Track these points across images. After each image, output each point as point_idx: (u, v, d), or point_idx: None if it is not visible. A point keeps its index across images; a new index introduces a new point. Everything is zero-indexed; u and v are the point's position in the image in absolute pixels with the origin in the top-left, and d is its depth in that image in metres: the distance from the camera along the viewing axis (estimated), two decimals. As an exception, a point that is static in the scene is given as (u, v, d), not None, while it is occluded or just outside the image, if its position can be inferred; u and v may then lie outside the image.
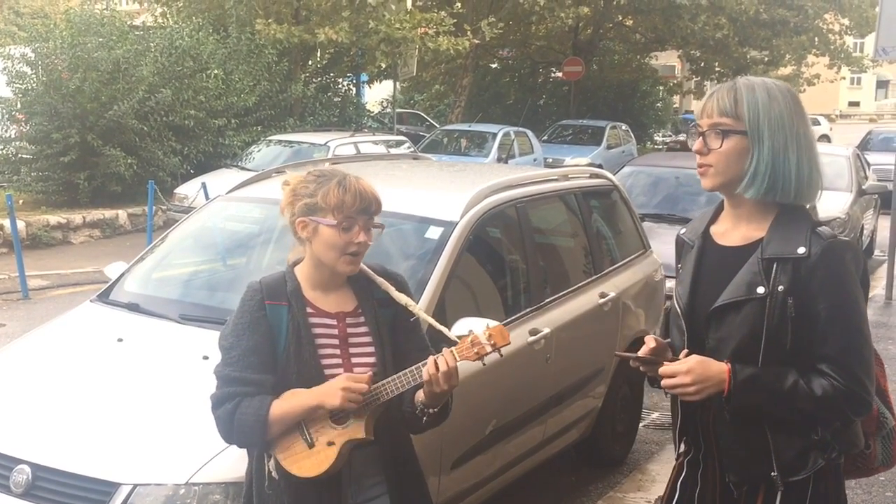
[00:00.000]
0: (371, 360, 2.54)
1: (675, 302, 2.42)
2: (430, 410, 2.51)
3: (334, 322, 2.55)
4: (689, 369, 2.21)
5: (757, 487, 2.31)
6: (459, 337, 2.48)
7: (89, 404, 3.40)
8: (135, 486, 2.97)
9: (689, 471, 2.46)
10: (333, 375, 2.49)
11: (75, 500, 3.01)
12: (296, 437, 2.47)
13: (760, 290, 2.21)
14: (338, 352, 2.53)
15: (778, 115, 2.23)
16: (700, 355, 2.26)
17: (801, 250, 2.20)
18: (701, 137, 2.30)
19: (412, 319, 2.63)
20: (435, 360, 2.40)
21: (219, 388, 2.52)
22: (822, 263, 2.18)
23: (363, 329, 2.57)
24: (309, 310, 2.54)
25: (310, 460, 2.45)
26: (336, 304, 2.58)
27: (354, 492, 2.56)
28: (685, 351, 2.31)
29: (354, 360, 2.54)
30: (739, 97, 2.25)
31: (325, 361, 2.51)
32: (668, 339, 2.45)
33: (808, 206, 2.31)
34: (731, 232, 2.36)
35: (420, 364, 2.43)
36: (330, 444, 2.45)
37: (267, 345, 2.50)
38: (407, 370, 2.45)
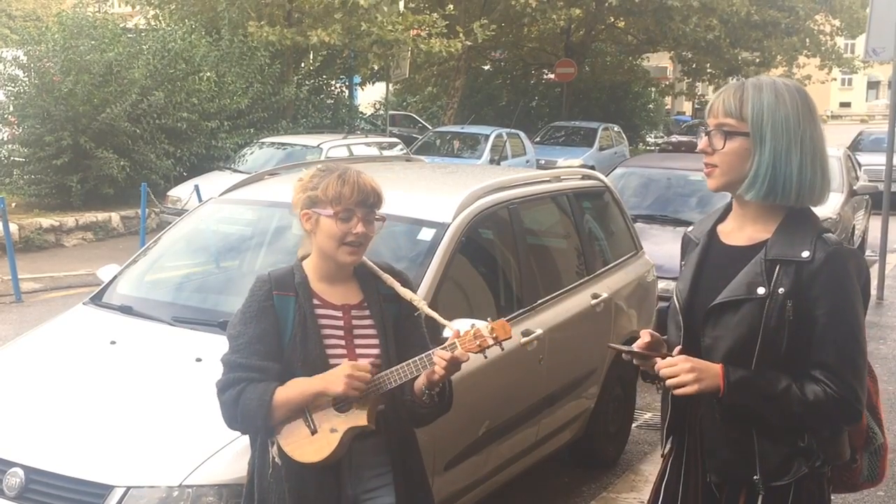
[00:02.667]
0: (375, 351, 2.62)
1: (675, 297, 2.42)
2: (434, 392, 2.56)
3: (340, 314, 2.63)
4: (688, 359, 2.22)
5: (738, 490, 2.31)
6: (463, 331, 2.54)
7: (82, 407, 3.40)
8: (128, 488, 2.97)
9: (672, 471, 2.47)
10: (338, 365, 2.55)
11: (69, 502, 3.01)
12: (299, 423, 2.54)
13: (761, 290, 2.21)
14: (342, 343, 2.61)
15: (783, 117, 2.22)
16: (695, 353, 2.26)
17: (806, 254, 2.19)
18: (707, 136, 2.30)
19: (416, 314, 2.71)
20: (440, 355, 2.46)
21: (224, 374, 2.59)
22: (826, 269, 2.18)
23: (368, 322, 2.65)
24: (315, 301, 2.62)
25: (312, 446, 2.52)
26: (342, 297, 2.66)
27: (353, 482, 2.61)
28: (679, 347, 2.32)
29: (359, 351, 2.61)
30: (745, 98, 2.25)
31: (330, 352, 2.58)
32: (665, 336, 2.45)
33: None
34: (736, 232, 2.36)
35: (423, 356, 2.50)
36: (333, 430, 2.51)
37: (273, 334, 2.58)
38: (409, 361, 2.51)
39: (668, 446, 2.50)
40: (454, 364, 2.48)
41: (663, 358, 2.27)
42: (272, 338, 2.58)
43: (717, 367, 2.21)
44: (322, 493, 2.55)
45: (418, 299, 2.71)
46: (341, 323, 2.62)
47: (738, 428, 2.27)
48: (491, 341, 2.47)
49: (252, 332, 2.57)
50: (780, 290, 2.20)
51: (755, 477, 2.26)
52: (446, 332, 2.89)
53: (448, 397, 2.66)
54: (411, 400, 2.62)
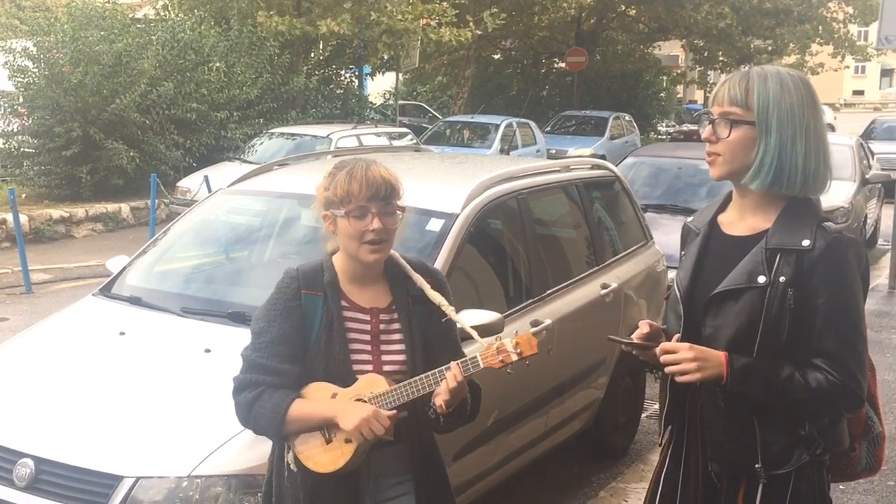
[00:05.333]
0: (401, 357, 2.52)
1: (675, 287, 2.42)
2: (439, 413, 2.46)
3: (368, 318, 2.53)
4: (691, 347, 2.21)
5: (738, 480, 2.31)
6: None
7: (92, 398, 3.41)
8: (137, 478, 2.98)
9: (671, 462, 2.48)
10: (361, 372, 2.47)
11: (78, 493, 3.03)
12: (314, 431, 2.46)
13: (761, 279, 2.21)
14: (368, 348, 2.52)
15: (788, 106, 2.22)
16: (695, 343, 2.26)
17: (806, 242, 2.19)
18: (710, 125, 2.30)
19: (444, 320, 2.58)
20: (454, 373, 2.37)
21: (242, 372, 2.51)
22: (826, 257, 2.18)
23: (396, 326, 2.55)
24: (344, 303, 2.52)
25: (326, 456, 2.44)
26: (371, 299, 2.55)
27: (373, 490, 2.54)
28: (677, 335, 2.31)
29: (384, 357, 2.52)
30: (751, 87, 2.24)
31: (355, 357, 2.49)
32: (665, 326, 2.45)
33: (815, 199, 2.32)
34: (737, 222, 2.36)
35: (441, 369, 2.41)
36: (348, 440, 2.42)
37: (297, 335, 2.49)
38: (428, 374, 2.42)
39: (667, 436, 2.51)
40: (456, 391, 2.38)
41: None
42: (296, 339, 2.48)
43: (719, 355, 2.21)
44: (338, 503, 2.47)
45: (447, 304, 2.57)
46: (369, 328, 2.52)
47: (740, 416, 2.27)
48: (515, 357, 2.36)
49: (276, 332, 2.48)
50: (781, 278, 2.20)
51: (756, 465, 2.26)
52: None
53: (465, 410, 2.55)
54: (426, 413, 2.54)
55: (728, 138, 2.26)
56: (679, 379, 2.23)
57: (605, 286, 4.98)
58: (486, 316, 3.56)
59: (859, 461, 2.44)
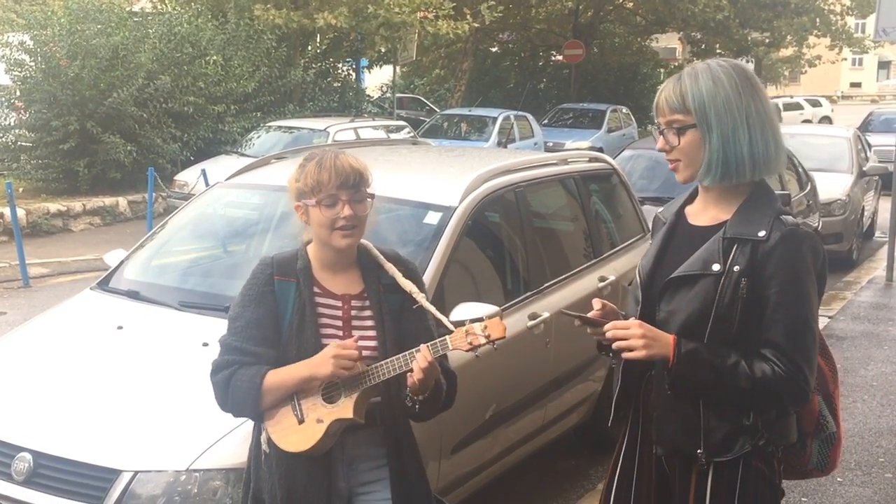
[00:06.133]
0: (372, 343, 2.58)
1: (637, 273, 2.46)
2: (419, 398, 2.53)
3: (339, 304, 2.60)
4: (640, 325, 2.25)
5: (686, 466, 2.33)
6: (457, 326, 2.49)
7: (90, 392, 3.41)
8: (136, 472, 2.98)
9: (627, 449, 2.50)
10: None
11: (77, 487, 3.03)
12: (287, 411, 2.52)
13: (716, 267, 2.25)
14: (340, 333, 2.58)
15: (724, 99, 2.25)
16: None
17: (762, 233, 2.23)
18: (662, 136, 2.34)
19: (415, 307, 2.64)
20: (424, 355, 2.42)
21: (219, 356, 2.60)
22: (779, 249, 2.21)
23: (367, 313, 2.61)
24: (316, 289, 2.60)
25: (298, 436, 2.50)
26: (343, 286, 2.62)
27: (347, 475, 2.59)
28: (633, 319, 2.35)
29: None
30: (684, 90, 2.29)
31: (326, 342, 2.54)
32: (625, 312, 2.47)
33: (788, 193, 2.33)
34: (701, 213, 2.40)
35: (408, 352, 2.46)
36: (319, 421, 2.49)
37: (270, 319, 2.57)
38: (398, 356, 2.47)
39: (626, 422, 2.52)
40: (426, 369, 2.43)
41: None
42: (269, 324, 2.56)
43: (668, 338, 2.24)
44: (312, 485, 2.52)
45: (417, 291, 2.64)
46: (340, 313, 2.59)
47: (685, 401, 2.29)
48: (482, 340, 2.41)
49: (249, 317, 2.57)
50: (736, 267, 2.23)
51: (699, 451, 2.28)
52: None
53: (439, 397, 2.60)
54: (401, 399, 2.58)
55: (679, 145, 2.30)
56: (626, 356, 2.26)
57: (602, 279, 4.98)
58: (485, 309, 3.55)
59: (809, 459, 2.45)
